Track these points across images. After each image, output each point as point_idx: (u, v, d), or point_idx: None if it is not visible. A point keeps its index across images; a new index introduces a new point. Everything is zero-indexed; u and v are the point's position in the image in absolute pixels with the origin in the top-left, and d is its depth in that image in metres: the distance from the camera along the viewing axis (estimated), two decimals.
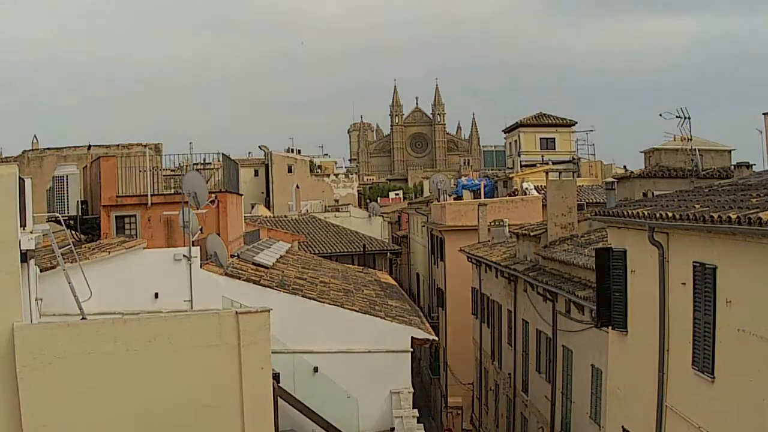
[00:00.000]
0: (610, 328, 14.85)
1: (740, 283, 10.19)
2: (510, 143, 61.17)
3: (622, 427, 14.41)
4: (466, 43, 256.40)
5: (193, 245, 16.10)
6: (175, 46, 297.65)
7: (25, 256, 10.59)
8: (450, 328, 35.83)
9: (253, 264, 19.35)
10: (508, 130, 61.23)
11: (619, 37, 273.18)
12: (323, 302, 16.93)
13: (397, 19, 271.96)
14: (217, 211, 19.96)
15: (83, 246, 18.29)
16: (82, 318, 11.72)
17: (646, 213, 12.76)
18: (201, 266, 16.22)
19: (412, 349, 16.73)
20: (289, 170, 73.26)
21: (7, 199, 9.83)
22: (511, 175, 49.23)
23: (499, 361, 27.23)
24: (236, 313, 10.47)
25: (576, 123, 57.26)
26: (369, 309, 17.81)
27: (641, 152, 27.75)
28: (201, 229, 17.69)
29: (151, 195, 20.23)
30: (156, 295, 15.51)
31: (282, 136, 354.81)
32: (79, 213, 21.62)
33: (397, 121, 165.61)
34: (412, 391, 16.59)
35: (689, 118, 24.45)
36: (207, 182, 19.12)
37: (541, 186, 37.04)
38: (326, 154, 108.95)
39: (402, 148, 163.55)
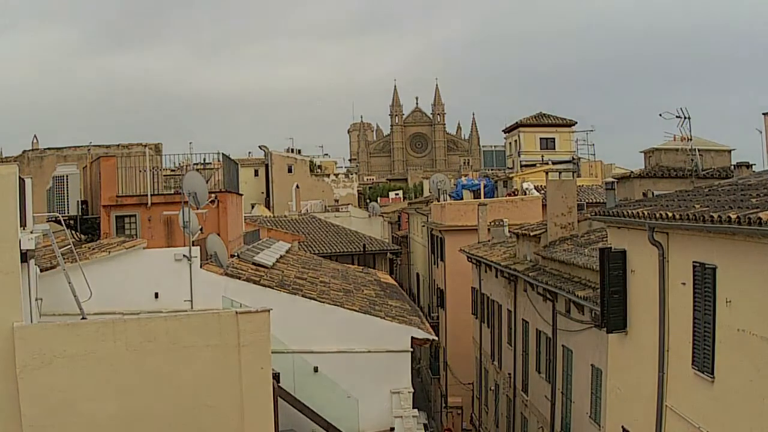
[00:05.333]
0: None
1: (740, 283, 10.19)
2: (510, 143, 61.23)
3: (622, 427, 14.41)
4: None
5: (193, 245, 16.10)
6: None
7: (25, 256, 10.59)
8: (450, 328, 35.83)
9: (253, 264, 19.34)
10: (508, 130, 61.29)
11: None
12: (323, 302, 16.93)
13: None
14: (217, 211, 19.97)
15: (83, 246, 18.29)
16: (82, 318, 11.72)
17: (646, 213, 12.76)
18: (201, 266, 16.23)
19: (412, 349, 16.73)
20: (289, 170, 73.27)
21: (7, 199, 9.83)
22: (511, 175, 49.27)
23: (499, 361, 27.22)
24: (236, 313, 10.48)
25: (576, 123, 57.34)
26: (369, 309, 17.81)
27: (641, 152, 27.76)
28: (201, 229, 17.69)
29: (151, 195, 20.24)
30: (156, 295, 15.52)
31: (282, 136, 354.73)
32: (79, 213, 21.65)
33: (397, 121, 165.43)
34: (412, 391, 16.59)
35: (689, 118, 24.44)
36: (207, 182, 19.12)
37: (541, 186, 37.04)
38: (326, 154, 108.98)
39: (402, 148, 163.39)
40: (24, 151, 28.07)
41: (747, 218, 9.34)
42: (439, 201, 41.37)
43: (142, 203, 20.16)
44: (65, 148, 27.59)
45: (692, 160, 24.51)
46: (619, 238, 14.70)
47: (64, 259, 12.69)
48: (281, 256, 23.25)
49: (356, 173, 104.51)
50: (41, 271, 13.96)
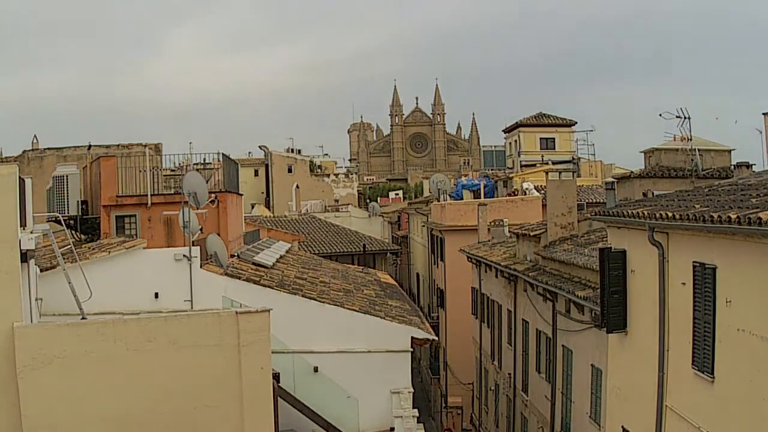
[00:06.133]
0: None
1: (740, 283, 10.19)
2: (510, 143, 61.23)
3: (622, 427, 14.41)
4: None
5: (193, 245, 16.10)
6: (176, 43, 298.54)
7: (25, 256, 10.59)
8: (450, 328, 35.83)
9: (253, 264, 19.34)
10: (508, 130, 61.29)
11: None
12: (323, 302, 16.93)
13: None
14: (217, 211, 19.97)
15: (83, 246, 18.29)
16: (82, 318, 11.72)
17: (646, 213, 12.76)
18: (201, 266, 16.22)
19: (412, 349, 16.73)
20: (289, 170, 73.24)
21: (7, 199, 9.83)
22: (511, 175, 49.27)
23: (499, 361, 27.23)
24: (236, 313, 10.48)
25: (576, 123, 57.35)
26: (369, 309, 17.80)
27: (641, 152, 27.77)
28: (201, 229, 17.69)
29: (151, 195, 20.24)
30: (156, 295, 15.52)
31: (282, 136, 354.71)
32: (79, 213, 21.64)
33: (397, 121, 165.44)
34: (412, 391, 16.59)
35: (689, 118, 24.45)
36: (207, 182, 19.13)
37: (541, 186, 37.04)
38: (326, 154, 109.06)
39: (402, 148, 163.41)
40: (24, 151, 28.07)
41: (747, 218, 9.33)
42: (439, 201, 41.38)
43: (142, 203, 20.15)
44: (65, 148, 27.59)
45: (692, 160, 24.51)
46: (619, 238, 14.70)
47: (64, 259, 12.69)
48: (281, 256, 23.25)
49: (356, 173, 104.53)
50: (41, 271, 13.95)
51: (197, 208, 17.21)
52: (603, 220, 16.06)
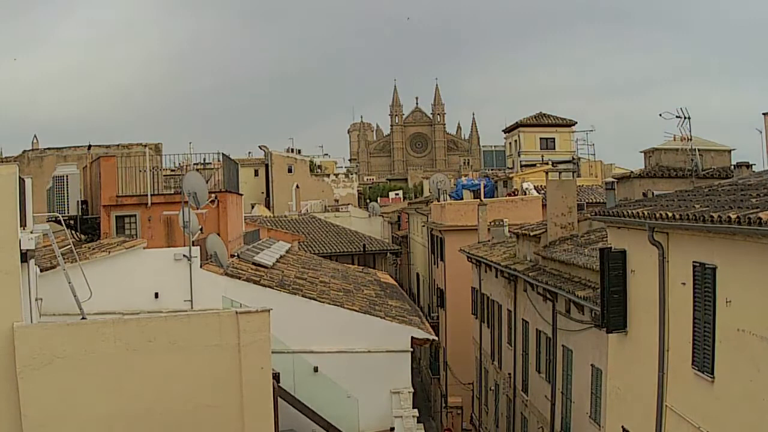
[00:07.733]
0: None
1: (740, 283, 10.19)
2: (510, 143, 61.28)
3: (622, 427, 14.41)
4: None
5: (193, 245, 16.11)
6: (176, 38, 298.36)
7: (25, 256, 10.59)
8: (450, 328, 35.84)
9: (253, 264, 19.35)
10: (508, 130, 61.35)
11: None
12: (323, 302, 16.93)
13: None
14: (217, 211, 19.96)
15: (83, 246, 18.29)
16: (82, 318, 11.73)
17: (646, 213, 12.76)
18: (201, 266, 16.23)
19: (412, 349, 16.73)
20: (289, 170, 73.18)
21: (7, 199, 9.84)
22: (511, 175, 49.28)
23: (499, 361, 27.22)
24: (236, 313, 10.48)
25: (576, 123, 57.38)
26: (369, 309, 17.81)
27: (641, 152, 27.78)
28: (201, 229, 17.70)
29: (151, 195, 20.24)
30: (156, 295, 15.53)
31: (282, 136, 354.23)
32: (79, 213, 21.64)
33: (397, 121, 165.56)
34: (412, 391, 16.60)
35: (689, 118, 24.46)
36: (207, 182, 19.12)
37: (541, 186, 37.04)
38: (326, 154, 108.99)
39: (402, 148, 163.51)
40: (24, 151, 28.07)
41: (747, 218, 9.33)
42: (439, 201, 41.37)
43: (142, 203, 20.15)
44: (65, 148, 27.60)
45: (692, 160, 24.52)
46: (619, 238, 14.70)
47: (64, 259, 12.69)
48: (281, 256, 23.26)
49: (356, 173, 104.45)
50: (41, 271, 13.96)
51: (197, 208, 17.22)
52: (603, 220, 16.06)
